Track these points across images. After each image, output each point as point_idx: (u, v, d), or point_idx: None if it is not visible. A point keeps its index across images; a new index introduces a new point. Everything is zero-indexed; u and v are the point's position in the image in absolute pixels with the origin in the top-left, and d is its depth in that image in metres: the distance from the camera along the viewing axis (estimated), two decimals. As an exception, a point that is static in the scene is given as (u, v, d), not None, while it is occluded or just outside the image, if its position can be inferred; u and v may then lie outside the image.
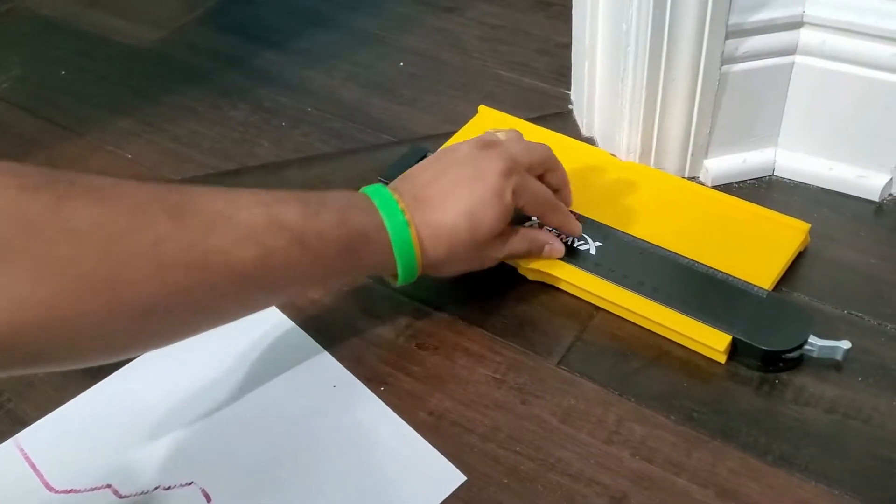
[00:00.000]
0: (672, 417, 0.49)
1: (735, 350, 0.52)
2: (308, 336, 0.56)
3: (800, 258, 0.57)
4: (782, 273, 0.56)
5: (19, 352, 0.38)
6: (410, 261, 0.50)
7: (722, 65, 0.58)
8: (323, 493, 0.48)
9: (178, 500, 0.48)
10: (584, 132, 0.69)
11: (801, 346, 0.51)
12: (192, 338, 0.56)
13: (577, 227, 0.58)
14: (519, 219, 0.57)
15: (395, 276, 0.52)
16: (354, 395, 0.52)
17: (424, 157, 0.65)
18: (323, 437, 0.50)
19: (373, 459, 0.49)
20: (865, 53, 0.56)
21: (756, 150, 0.63)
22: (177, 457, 0.50)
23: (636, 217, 0.59)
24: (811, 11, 0.57)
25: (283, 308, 0.58)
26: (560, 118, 0.71)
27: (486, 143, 0.54)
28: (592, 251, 0.57)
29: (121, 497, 0.48)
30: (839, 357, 0.51)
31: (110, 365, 0.55)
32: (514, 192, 0.52)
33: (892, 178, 0.60)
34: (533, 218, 0.57)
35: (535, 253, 0.56)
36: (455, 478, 0.48)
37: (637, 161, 0.64)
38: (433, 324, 0.56)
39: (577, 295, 0.56)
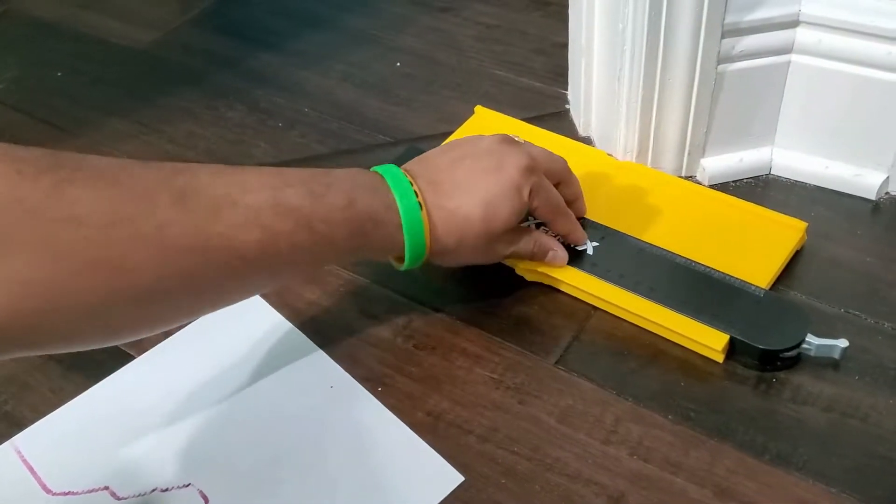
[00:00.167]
0: (669, 417, 0.49)
1: (732, 349, 0.52)
2: (305, 337, 0.56)
3: (797, 257, 0.57)
4: (779, 272, 0.56)
5: (19, 335, 0.38)
6: (419, 245, 0.50)
7: (718, 64, 0.58)
8: (321, 493, 0.48)
9: (175, 501, 0.48)
10: (581, 132, 0.69)
11: (798, 345, 0.51)
12: (190, 339, 0.57)
13: (583, 235, 0.57)
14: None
15: (402, 259, 0.51)
16: (352, 395, 0.52)
17: (421, 157, 0.65)
18: (320, 437, 0.50)
19: (370, 460, 0.49)
20: (861, 52, 0.56)
21: (753, 149, 0.63)
22: (174, 458, 0.50)
23: (633, 217, 0.59)
24: (807, 10, 0.57)
25: (280, 309, 0.58)
26: (557, 118, 0.71)
27: (509, 140, 0.54)
28: (590, 251, 0.57)
29: (118, 499, 0.48)
30: (837, 356, 0.51)
31: (107, 367, 0.55)
32: (532, 191, 0.52)
33: (888, 177, 0.60)
34: (530, 218, 0.57)
35: (539, 257, 0.56)
36: (453, 478, 0.48)
37: (634, 160, 0.64)
38: (431, 324, 0.56)
39: (575, 295, 0.56)
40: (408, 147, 0.67)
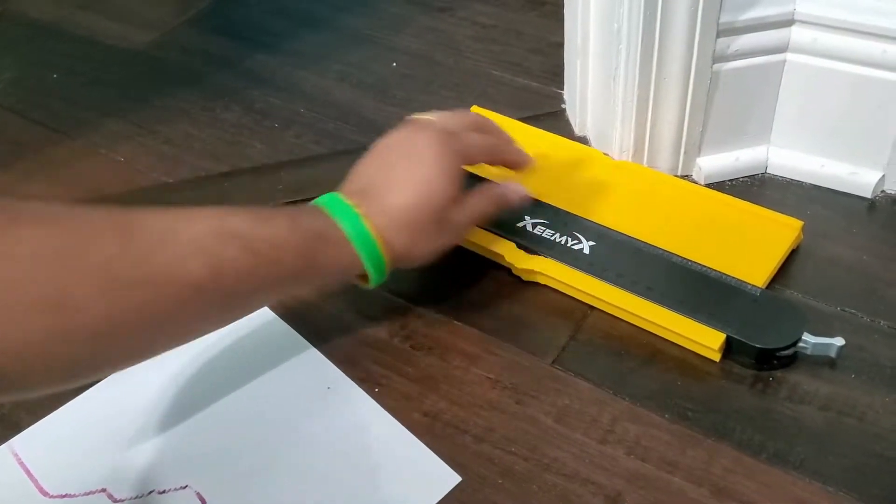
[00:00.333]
0: (666, 416, 0.50)
1: (729, 348, 0.52)
2: (302, 338, 0.56)
3: (793, 255, 0.57)
4: (776, 271, 0.56)
5: None
6: (375, 253, 0.49)
7: (713, 63, 0.58)
8: (318, 494, 0.48)
9: (173, 502, 0.48)
10: (578, 131, 0.69)
11: (794, 344, 0.51)
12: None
13: (530, 157, 0.58)
14: (511, 228, 0.57)
15: (366, 275, 0.50)
16: (348, 396, 0.52)
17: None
18: (317, 438, 0.50)
19: (367, 461, 0.49)
20: (856, 50, 0.56)
21: (748, 148, 0.63)
22: (171, 460, 0.50)
23: (630, 216, 0.59)
24: (802, 9, 0.57)
25: (276, 310, 0.58)
26: (553, 117, 0.71)
27: (413, 123, 0.54)
28: (586, 251, 0.57)
29: (115, 501, 0.48)
30: (833, 354, 0.51)
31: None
32: (456, 152, 0.52)
33: (883, 175, 0.60)
34: (526, 217, 0.57)
35: (502, 204, 0.55)
36: (450, 479, 0.48)
37: (630, 160, 0.64)
38: (427, 324, 0.56)
39: (571, 294, 0.56)
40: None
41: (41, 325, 0.38)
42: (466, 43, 0.81)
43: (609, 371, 0.52)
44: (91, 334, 0.39)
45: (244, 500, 0.48)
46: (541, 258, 0.57)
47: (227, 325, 0.48)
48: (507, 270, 0.58)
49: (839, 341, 0.50)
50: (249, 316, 0.57)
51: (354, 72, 0.79)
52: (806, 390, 0.50)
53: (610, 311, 0.55)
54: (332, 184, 0.58)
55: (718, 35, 0.57)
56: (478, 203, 0.54)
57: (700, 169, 0.63)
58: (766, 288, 0.55)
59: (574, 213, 0.59)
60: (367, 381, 0.53)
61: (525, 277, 0.58)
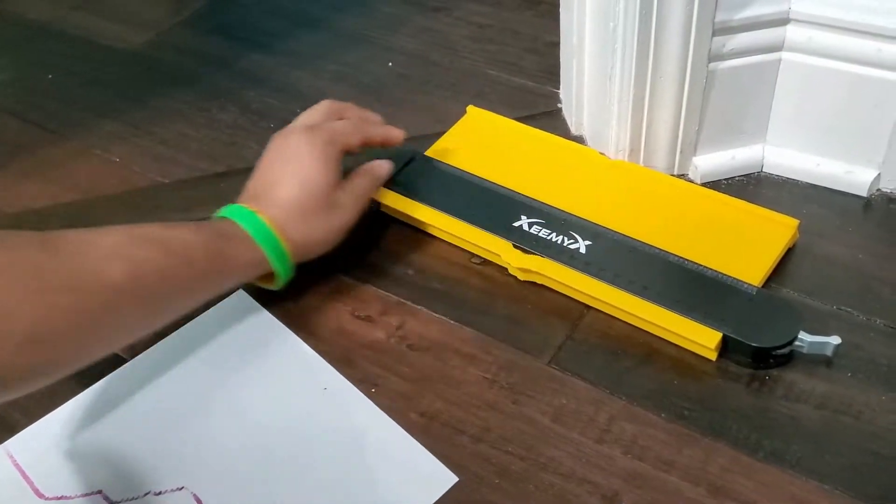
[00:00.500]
0: (663, 415, 0.50)
1: (725, 347, 0.52)
2: (299, 339, 0.56)
3: (789, 254, 0.57)
4: (772, 269, 0.56)
5: None
6: (275, 244, 0.53)
7: (709, 62, 0.58)
8: (315, 495, 0.48)
9: (169, 504, 0.48)
10: (574, 131, 0.69)
11: (791, 343, 0.51)
12: (182, 342, 0.56)
13: (398, 132, 0.62)
14: (508, 228, 0.57)
15: (274, 272, 0.54)
16: (345, 397, 0.52)
17: (413, 158, 0.65)
18: (314, 439, 0.50)
19: (364, 461, 0.49)
20: (852, 49, 0.56)
21: (744, 147, 0.63)
22: (168, 461, 0.50)
23: (626, 215, 0.59)
24: (797, 8, 0.57)
25: (272, 311, 0.57)
26: (549, 117, 0.71)
27: (290, 127, 0.60)
28: (582, 250, 0.57)
29: (111, 503, 0.48)
30: (829, 353, 0.51)
31: (99, 370, 0.55)
32: (324, 141, 0.57)
33: (879, 174, 0.60)
34: (523, 217, 0.57)
35: (377, 179, 0.61)
36: (447, 479, 0.48)
37: (626, 159, 0.64)
38: (424, 324, 0.56)
39: (568, 294, 0.56)
40: (400, 147, 0.67)
41: None
42: (462, 43, 0.81)
43: (606, 370, 0.52)
44: (22, 340, 0.41)
45: (241, 501, 0.48)
46: (537, 258, 0.57)
47: (151, 329, 0.51)
48: (503, 270, 0.58)
49: (835, 340, 0.50)
50: (246, 317, 0.57)
51: (350, 72, 0.79)
52: (802, 389, 0.50)
53: (606, 311, 0.55)
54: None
55: (714, 34, 0.57)
56: (359, 182, 0.59)
57: (696, 168, 0.63)
58: (763, 287, 0.55)
59: (570, 212, 0.59)
60: (363, 382, 0.53)
61: (521, 277, 0.58)
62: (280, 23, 0.87)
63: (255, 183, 0.57)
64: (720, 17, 0.57)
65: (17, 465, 0.50)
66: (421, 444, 0.49)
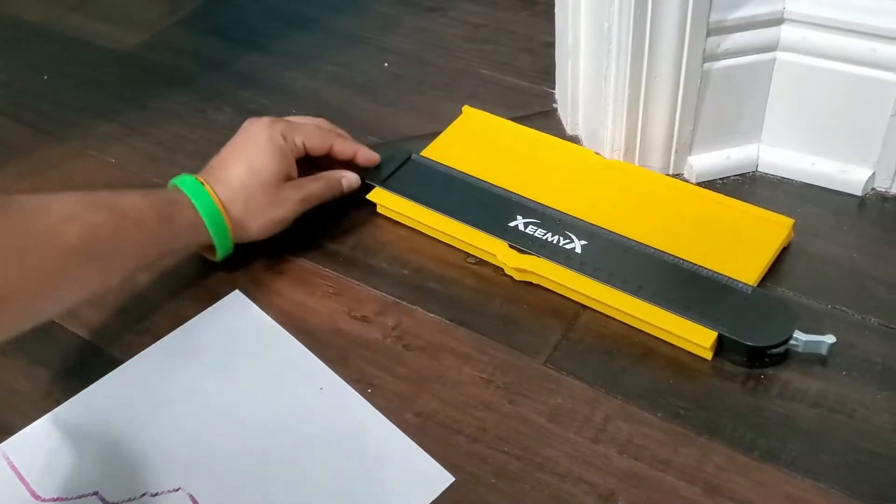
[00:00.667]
0: (659, 415, 0.50)
1: (721, 346, 0.52)
2: (294, 339, 0.56)
3: (784, 253, 0.58)
4: (767, 269, 0.56)
5: None
6: (216, 217, 0.56)
7: (704, 62, 0.58)
8: (311, 496, 0.48)
9: (165, 506, 0.48)
10: (569, 131, 0.69)
11: (786, 342, 0.51)
12: (178, 343, 0.56)
13: (373, 153, 0.64)
14: (503, 228, 0.57)
15: (213, 247, 0.57)
16: (341, 397, 0.52)
17: (409, 158, 0.65)
18: (310, 440, 0.50)
19: (360, 462, 0.49)
20: (846, 49, 0.56)
21: (739, 147, 0.63)
22: (164, 462, 0.50)
23: (621, 215, 0.59)
24: (791, 8, 0.57)
25: (268, 311, 0.57)
26: (544, 117, 0.71)
27: (257, 118, 0.61)
28: (578, 250, 0.57)
29: (108, 504, 0.48)
30: (824, 352, 0.51)
31: (95, 372, 0.55)
32: (284, 134, 0.59)
33: (874, 173, 0.60)
34: (518, 217, 0.57)
35: (335, 189, 0.62)
36: (443, 479, 0.48)
37: (621, 159, 0.64)
38: (419, 325, 0.56)
39: (563, 294, 0.56)
40: (396, 147, 0.67)
41: None
42: (457, 43, 0.81)
43: (601, 370, 0.52)
44: None
45: (237, 501, 0.48)
46: (533, 257, 0.57)
47: (103, 289, 0.55)
48: (499, 270, 0.58)
49: (830, 339, 0.51)
50: (242, 317, 0.57)
51: (345, 72, 0.79)
52: (797, 388, 0.50)
53: (602, 310, 0.55)
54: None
55: (708, 34, 0.57)
56: (312, 185, 0.61)
57: (691, 167, 0.63)
58: (758, 286, 0.55)
59: (566, 212, 0.59)
60: (359, 382, 0.53)
61: (517, 277, 0.58)
62: (275, 23, 0.87)
63: (215, 159, 0.60)
64: (714, 17, 0.57)
65: (12, 467, 0.50)
66: (417, 444, 0.49)
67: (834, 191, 0.62)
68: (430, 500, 0.47)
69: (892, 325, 0.53)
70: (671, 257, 0.56)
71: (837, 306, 0.54)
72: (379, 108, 0.74)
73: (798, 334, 0.51)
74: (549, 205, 0.60)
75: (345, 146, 0.62)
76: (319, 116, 0.66)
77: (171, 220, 0.55)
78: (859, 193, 0.61)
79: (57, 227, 0.48)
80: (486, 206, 0.61)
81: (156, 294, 0.60)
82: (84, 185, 0.70)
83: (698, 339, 0.51)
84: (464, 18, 0.84)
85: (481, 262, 0.59)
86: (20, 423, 0.52)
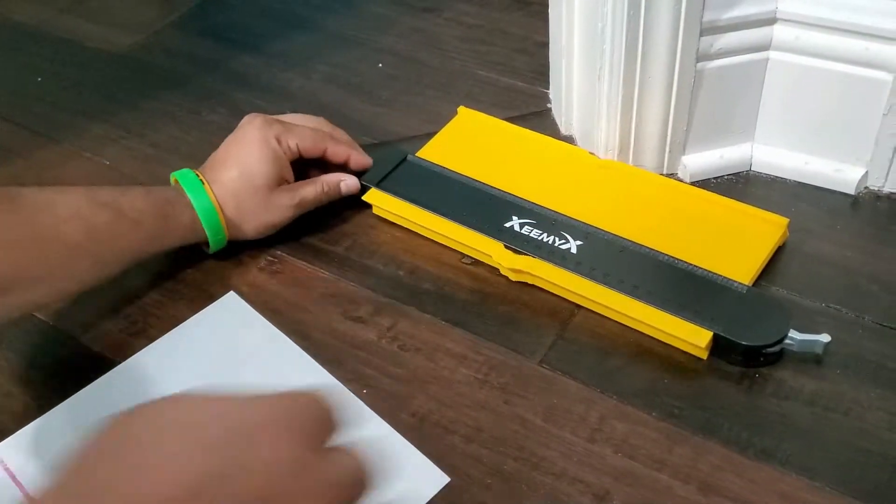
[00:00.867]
0: (654, 414, 0.50)
1: (716, 346, 0.52)
2: (289, 340, 0.56)
3: (779, 252, 0.58)
4: (762, 268, 0.56)
5: None
6: (212, 214, 0.57)
7: (697, 62, 0.58)
8: (307, 497, 0.48)
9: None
10: (563, 131, 0.69)
11: (781, 341, 0.51)
12: (173, 345, 0.56)
13: (365, 156, 0.63)
14: (499, 228, 0.57)
15: (207, 238, 0.58)
16: (337, 398, 0.52)
17: (405, 159, 0.65)
18: (306, 441, 0.50)
19: (356, 463, 0.49)
20: (839, 48, 0.56)
21: (733, 146, 0.63)
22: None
23: (616, 215, 0.59)
24: (784, 7, 0.57)
25: (263, 312, 0.57)
26: (539, 117, 0.71)
27: (252, 115, 0.61)
28: (573, 250, 0.57)
29: (103, 506, 0.48)
30: (819, 351, 0.51)
31: (89, 373, 0.54)
32: (278, 137, 0.59)
33: (867, 172, 0.61)
34: (514, 218, 0.57)
35: (333, 193, 0.62)
36: (439, 479, 0.48)
37: (616, 158, 0.64)
38: (415, 325, 0.56)
39: (559, 294, 0.56)
40: (391, 148, 0.67)
41: None
42: (452, 43, 0.81)
43: (596, 370, 0.52)
44: None
45: (232, 503, 0.48)
46: (528, 258, 0.57)
47: (98, 282, 0.55)
48: (495, 271, 0.58)
49: (825, 338, 0.51)
50: (237, 318, 0.57)
51: (340, 73, 0.79)
52: (792, 386, 0.50)
53: (597, 310, 0.55)
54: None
55: (702, 34, 0.57)
56: (306, 189, 0.61)
57: (685, 167, 0.63)
58: (753, 285, 0.55)
59: (561, 212, 0.59)
60: (354, 383, 0.53)
61: (512, 277, 0.58)
62: (269, 24, 0.87)
63: (213, 156, 0.61)
64: (708, 16, 0.57)
65: (7, 470, 0.50)
66: (412, 444, 0.49)
67: (827, 190, 0.62)
68: (426, 501, 0.47)
69: (886, 324, 0.53)
70: (666, 257, 0.56)
71: (832, 305, 0.54)
72: (374, 108, 0.74)
73: (793, 333, 0.51)
74: (545, 205, 0.60)
75: (338, 150, 0.62)
76: (324, 118, 0.66)
77: (168, 220, 0.56)
78: (853, 192, 0.61)
79: (59, 224, 0.51)
80: (482, 206, 0.61)
81: (150, 296, 0.60)
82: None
83: (693, 338, 0.52)
84: (459, 19, 0.84)
85: (476, 262, 0.59)
86: (14, 425, 0.52)
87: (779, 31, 0.58)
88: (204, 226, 0.57)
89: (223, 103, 0.77)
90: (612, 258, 0.56)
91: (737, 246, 0.57)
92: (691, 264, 0.55)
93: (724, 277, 0.54)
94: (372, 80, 0.77)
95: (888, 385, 0.50)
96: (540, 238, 0.58)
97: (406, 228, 0.62)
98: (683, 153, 0.63)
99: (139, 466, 0.27)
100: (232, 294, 0.59)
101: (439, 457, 0.49)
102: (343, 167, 0.63)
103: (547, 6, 0.67)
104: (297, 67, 0.80)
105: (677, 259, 0.56)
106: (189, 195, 0.57)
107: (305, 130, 0.61)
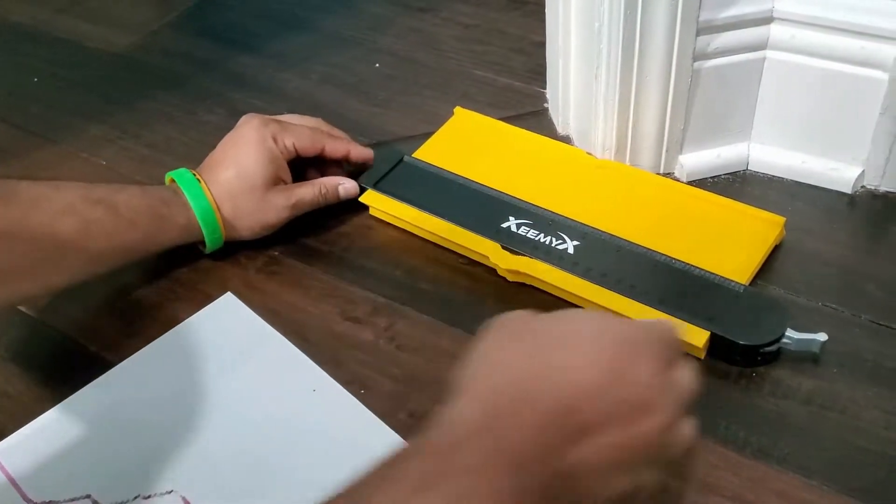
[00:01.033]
0: (651, 413, 0.50)
1: (713, 345, 0.52)
2: (287, 341, 0.56)
3: (775, 251, 0.58)
4: (759, 267, 0.56)
5: None
6: (209, 213, 0.57)
7: (694, 61, 0.58)
8: (303, 497, 0.48)
9: (158, 508, 0.48)
10: (560, 131, 0.69)
11: (778, 340, 0.51)
12: (171, 345, 0.56)
13: (366, 150, 0.63)
14: (496, 229, 0.57)
15: (203, 237, 0.58)
16: (334, 398, 0.52)
17: (401, 159, 0.65)
18: (303, 441, 0.50)
19: (354, 463, 0.49)
20: (835, 47, 0.57)
21: (730, 145, 0.63)
22: (157, 465, 0.49)
23: (613, 215, 0.59)
24: (780, 7, 0.57)
25: (261, 313, 0.57)
26: (536, 117, 0.71)
27: (250, 115, 0.62)
28: (570, 250, 0.57)
29: (101, 507, 0.48)
30: (816, 350, 0.51)
31: (87, 374, 0.54)
32: (274, 136, 0.59)
33: (863, 171, 0.61)
34: (511, 218, 0.57)
35: (331, 196, 0.62)
36: (436, 479, 0.47)
37: (613, 158, 0.64)
38: (412, 325, 0.56)
39: (556, 294, 0.56)
40: (388, 148, 0.67)
41: None
42: (449, 43, 0.81)
43: (594, 369, 0.52)
44: None
45: (230, 503, 0.48)
46: (525, 258, 0.57)
47: (91, 277, 0.55)
48: (492, 271, 0.58)
49: (822, 337, 0.51)
50: (234, 319, 0.57)
51: (337, 73, 0.79)
52: (789, 385, 0.50)
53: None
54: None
55: (698, 33, 0.57)
56: (302, 191, 0.61)
57: (682, 166, 0.63)
58: (750, 285, 0.55)
59: (558, 212, 0.59)
60: (352, 383, 0.53)
61: (510, 278, 0.58)
62: (266, 24, 0.87)
63: (210, 156, 0.61)
64: (704, 16, 0.57)
65: (4, 470, 0.50)
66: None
67: (824, 189, 0.62)
68: (424, 501, 0.47)
69: (882, 323, 0.53)
70: (663, 257, 0.56)
71: (829, 304, 0.54)
72: (371, 108, 0.74)
73: (790, 332, 0.51)
74: (542, 205, 0.60)
75: (336, 145, 0.62)
76: (321, 118, 0.66)
77: (163, 220, 0.56)
78: (849, 191, 0.61)
79: (53, 219, 0.51)
80: (479, 207, 0.61)
81: (147, 296, 0.60)
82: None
83: (691, 338, 0.52)
84: (455, 19, 0.84)
85: (474, 262, 0.59)
86: (11, 426, 0.52)
87: (775, 31, 0.58)
88: (201, 225, 0.57)
89: (220, 104, 0.77)
90: (609, 258, 0.56)
91: (734, 245, 0.57)
92: (688, 264, 0.55)
93: (721, 277, 0.54)
94: (369, 81, 0.77)
95: (885, 383, 0.50)
96: (537, 238, 0.58)
97: (403, 229, 0.62)
98: (680, 152, 0.63)
99: (563, 362, 0.35)
100: (229, 295, 0.59)
101: (437, 457, 0.48)
102: (342, 165, 0.63)
103: (543, 6, 0.67)
104: (295, 68, 0.80)
105: (674, 259, 0.56)
106: (186, 194, 0.57)
107: (302, 129, 0.61)
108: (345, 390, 0.52)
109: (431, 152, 0.66)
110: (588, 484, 0.33)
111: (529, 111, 0.72)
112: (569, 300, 0.56)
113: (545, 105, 0.72)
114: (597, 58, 0.60)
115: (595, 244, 0.57)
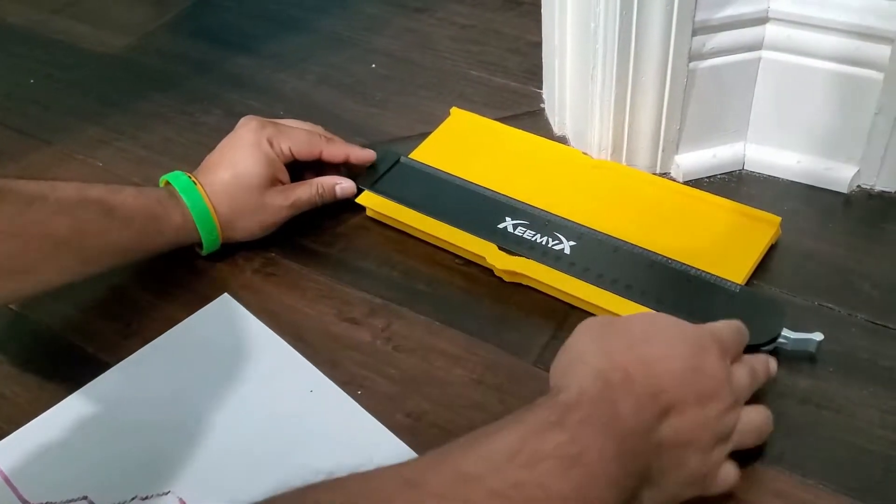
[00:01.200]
0: (648, 413, 0.50)
1: (709, 344, 0.52)
2: (284, 342, 0.56)
3: (771, 251, 0.58)
4: (754, 267, 0.56)
5: None
6: (206, 218, 0.57)
7: (690, 61, 0.59)
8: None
9: (155, 510, 0.48)
10: (557, 131, 0.69)
11: (774, 340, 0.51)
12: (168, 346, 0.56)
13: (366, 150, 0.64)
14: (492, 230, 0.57)
15: (200, 239, 0.58)
16: (331, 399, 0.52)
17: (398, 160, 0.65)
18: (300, 442, 0.50)
19: (351, 464, 0.49)
20: (830, 47, 0.57)
21: (726, 145, 0.64)
22: (153, 466, 0.49)
23: (609, 215, 0.59)
24: (776, 7, 0.57)
25: (258, 314, 0.57)
26: (532, 117, 0.71)
27: (248, 117, 0.62)
28: (567, 251, 0.57)
29: (98, 509, 0.48)
30: (812, 349, 0.51)
31: (84, 375, 0.54)
32: (270, 140, 0.60)
33: (859, 170, 0.61)
34: (507, 219, 0.57)
35: (328, 196, 0.62)
36: (434, 479, 0.47)
37: (609, 158, 0.64)
38: (409, 326, 0.56)
39: (553, 294, 0.57)
40: (384, 149, 0.67)
41: None
42: (444, 43, 0.81)
43: (590, 369, 0.52)
44: None
45: (228, 504, 0.48)
46: (522, 259, 0.57)
47: (85, 277, 0.55)
48: (488, 272, 0.58)
49: (818, 336, 0.51)
50: (231, 320, 0.57)
51: (333, 73, 0.79)
52: (785, 384, 0.51)
53: (591, 311, 0.55)
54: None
55: (694, 33, 0.57)
56: (299, 191, 0.61)
57: (678, 166, 0.64)
58: (746, 284, 0.55)
59: (554, 213, 0.60)
60: (349, 384, 0.53)
61: (507, 279, 0.58)
62: (263, 25, 0.87)
63: (209, 157, 0.61)
64: (700, 16, 0.57)
65: (1, 472, 0.50)
66: (408, 445, 0.49)
67: (820, 188, 0.62)
68: (421, 501, 0.47)
69: (878, 322, 0.53)
70: (659, 257, 0.56)
71: (824, 303, 0.55)
72: (367, 109, 0.74)
73: (786, 332, 0.51)
74: (538, 206, 0.60)
75: (335, 150, 0.62)
76: (308, 118, 0.66)
77: (159, 220, 0.56)
78: (845, 191, 0.61)
79: (48, 218, 0.51)
80: (475, 208, 0.61)
81: (144, 298, 0.60)
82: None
83: (687, 337, 0.52)
84: (451, 19, 0.84)
85: (470, 263, 0.59)
86: (8, 427, 0.52)
87: (771, 31, 0.58)
88: (198, 226, 0.57)
89: (217, 105, 0.77)
90: (606, 258, 0.56)
91: (730, 245, 0.57)
92: (684, 264, 0.55)
93: (718, 277, 0.54)
94: (365, 81, 0.77)
95: (880, 382, 0.50)
96: (533, 239, 0.58)
97: (400, 230, 0.62)
98: (676, 152, 0.64)
99: (652, 354, 0.42)
100: (226, 296, 0.59)
101: (434, 457, 0.49)
102: (341, 169, 0.63)
103: (539, 6, 0.67)
104: (291, 68, 0.80)
105: (670, 259, 0.56)
106: (182, 196, 0.57)
107: (300, 133, 0.61)
108: (342, 391, 0.52)
109: (428, 153, 0.66)
110: (668, 462, 0.40)
111: (526, 111, 0.72)
112: (565, 301, 0.56)
113: (541, 105, 0.72)
114: (593, 58, 0.60)
115: (591, 244, 0.57)
